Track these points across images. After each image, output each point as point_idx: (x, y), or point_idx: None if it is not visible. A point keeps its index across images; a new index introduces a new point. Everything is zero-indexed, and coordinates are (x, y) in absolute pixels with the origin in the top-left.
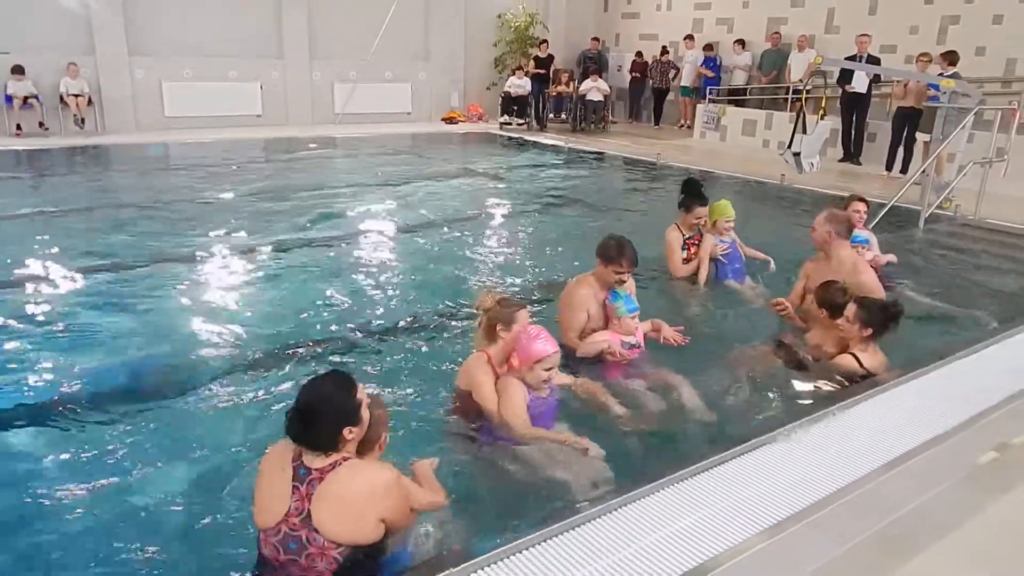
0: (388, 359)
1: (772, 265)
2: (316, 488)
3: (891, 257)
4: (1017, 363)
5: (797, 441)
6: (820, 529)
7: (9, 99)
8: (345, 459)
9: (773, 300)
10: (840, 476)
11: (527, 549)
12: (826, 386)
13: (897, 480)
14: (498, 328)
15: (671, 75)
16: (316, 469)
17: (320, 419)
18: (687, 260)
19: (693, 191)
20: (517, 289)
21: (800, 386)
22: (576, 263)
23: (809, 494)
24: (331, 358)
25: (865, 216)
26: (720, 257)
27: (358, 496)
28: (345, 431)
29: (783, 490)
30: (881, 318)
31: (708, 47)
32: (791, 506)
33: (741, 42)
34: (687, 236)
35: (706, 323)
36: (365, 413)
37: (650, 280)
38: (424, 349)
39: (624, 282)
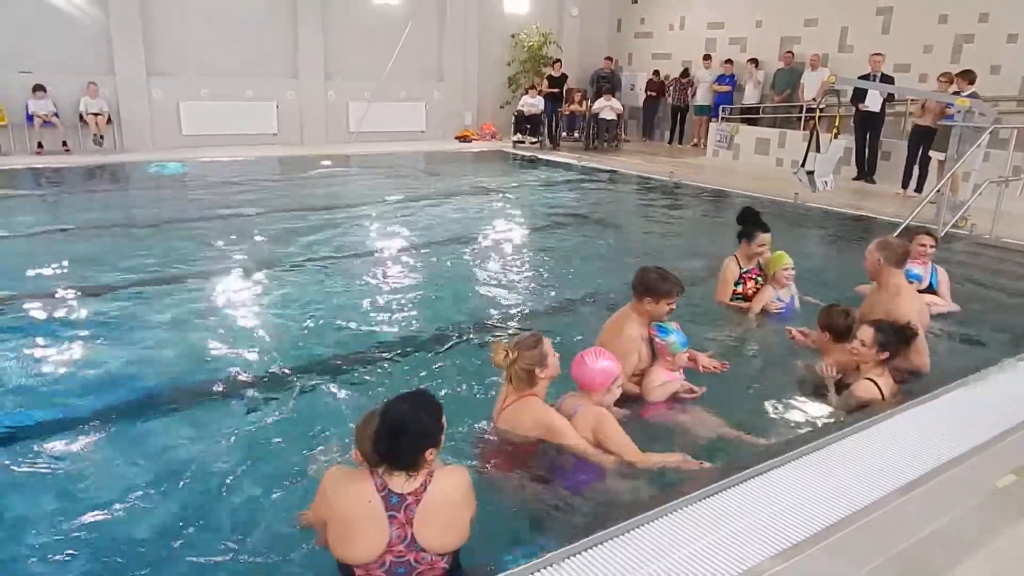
0: (399, 376)
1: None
2: (415, 512)
3: (953, 307)
4: None
5: (812, 463)
6: (836, 552)
7: (31, 118)
8: (430, 474)
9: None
10: (856, 499)
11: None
12: (844, 411)
13: (914, 503)
14: (536, 372)
15: (690, 93)
16: (409, 494)
17: (412, 440)
18: (738, 295)
19: (752, 219)
20: (528, 310)
21: (816, 408)
22: (591, 281)
23: (825, 517)
24: (343, 375)
25: (931, 251)
26: (773, 312)
27: (457, 504)
28: (428, 452)
29: (799, 513)
30: (897, 341)
31: (728, 62)
32: (806, 529)
33: (755, 61)
34: (744, 269)
35: (735, 349)
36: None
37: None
38: (437, 366)
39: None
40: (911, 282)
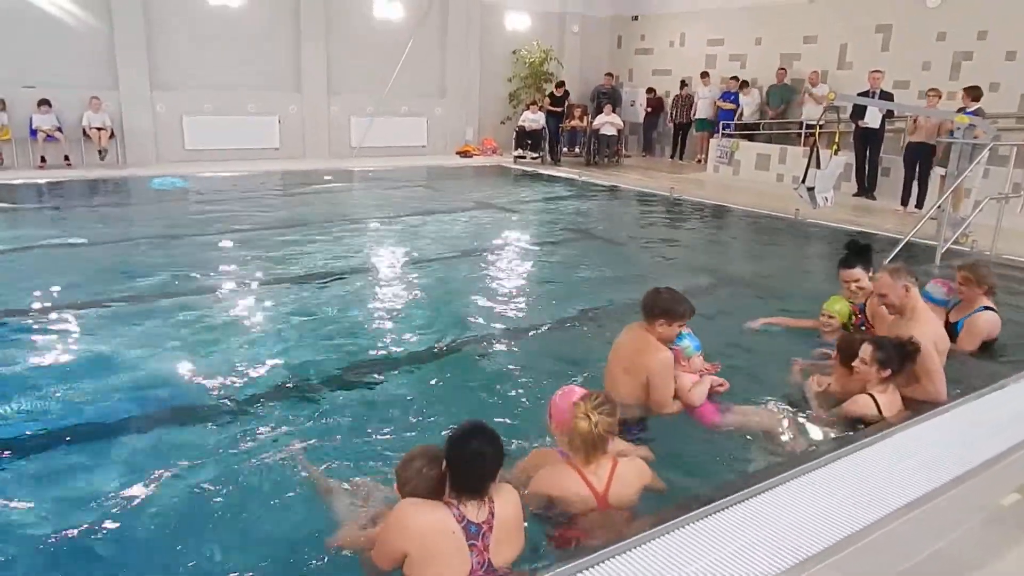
0: (400, 391)
1: None
2: (490, 538)
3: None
4: None
5: (814, 482)
6: (842, 571)
7: (34, 132)
8: (491, 500)
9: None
10: (859, 518)
11: None
12: (842, 426)
13: (918, 522)
14: (609, 437)
15: (692, 109)
16: (483, 522)
17: (490, 467)
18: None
19: (850, 249)
20: (528, 325)
21: (817, 427)
22: (591, 296)
23: (827, 536)
24: (342, 389)
25: (962, 288)
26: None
27: (519, 520)
28: (497, 476)
29: (800, 532)
30: (898, 357)
31: (735, 79)
32: (808, 549)
33: (745, 83)
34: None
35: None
36: None
37: None
38: (436, 381)
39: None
40: (936, 307)
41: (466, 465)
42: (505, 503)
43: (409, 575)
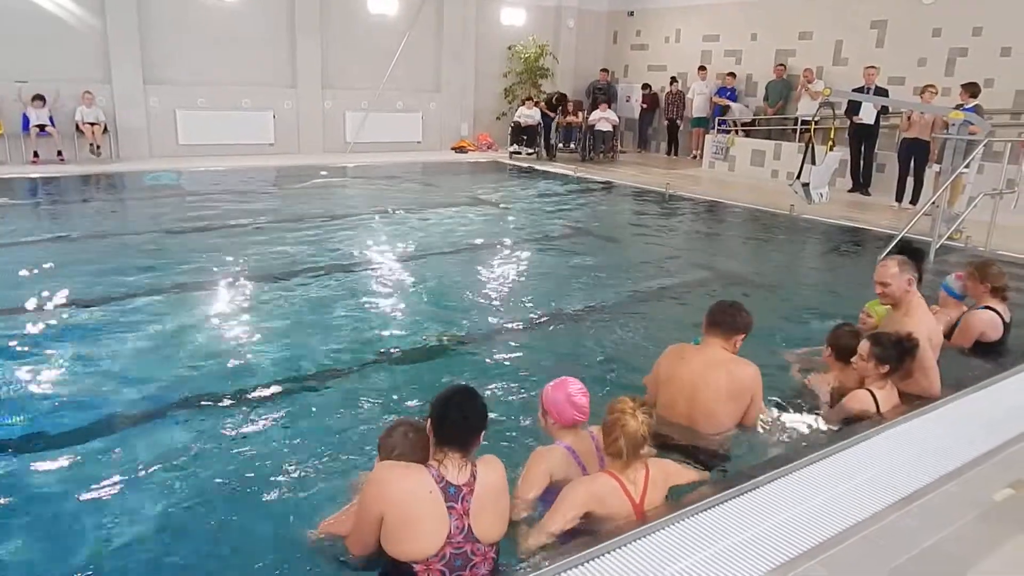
0: (393, 386)
1: None
2: (470, 501)
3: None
4: None
5: (808, 477)
6: (833, 567)
7: (27, 127)
8: (473, 464)
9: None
10: (853, 513)
11: None
12: (839, 421)
13: (911, 517)
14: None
15: (686, 104)
16: (463, 484)
17: (476, 420)
18: None
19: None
20: (523, 321)
21: (813, 422)
22: (585, 293)
23: (821, 531)
24: (335, 383)
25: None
26: None
27: (503, 491)
28: (481, 435)
29: (795, 527)
30: (896, 353)
31: (732, 75)
32: (803, 543)
33: (732, 75)
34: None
35: None
36: None
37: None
38: (430, 377)
39: None
40: (954, 300)
41: (451, 412)
42: (489, 470)
43: (387, 541)
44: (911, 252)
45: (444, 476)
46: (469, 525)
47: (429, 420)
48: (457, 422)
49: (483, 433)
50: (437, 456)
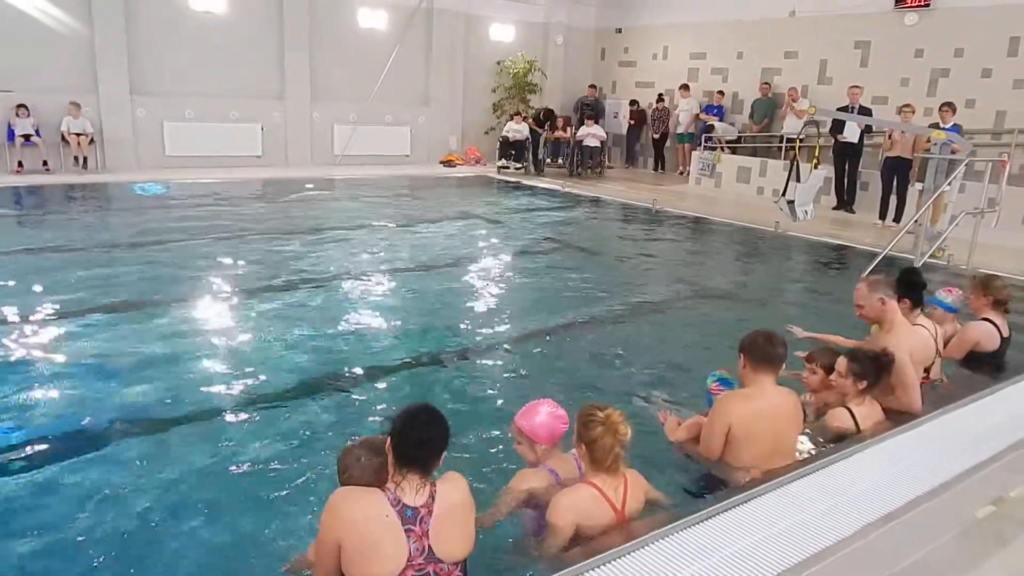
0: (377, 403)
1: None
2: (429, 523)
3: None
4: (1013, 414)
5: (790, 494)
6: None
7: (11, 136)
8: (433, 484)
9: None
10: (835, 530)
11: None
12: (819, 439)
13: (893, 534)
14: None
15: (671, 122)
16: (421, 506)
17: (436, 442)
18: None
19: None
20: (508, 335)
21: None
22: (571, 308)
23: (804, 548)
24: (321, 400)
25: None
26: None
27: (465, 508)
28: (442, 455)
29: (777, 544)
30: (873, 369)
31: (720, 93)
32: (785, 560)
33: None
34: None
35: None
36: None
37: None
38: (413, 390)
39: None
40: (945, 312)
41: (410, 433)
42: (450, 489)
43: (348, 566)
44: (910, 273)
45: (401, 499)
46: (429, 546)
47: (388, 440)
48: (416, 442)
49: (444, 454)
50: (395, 478)
